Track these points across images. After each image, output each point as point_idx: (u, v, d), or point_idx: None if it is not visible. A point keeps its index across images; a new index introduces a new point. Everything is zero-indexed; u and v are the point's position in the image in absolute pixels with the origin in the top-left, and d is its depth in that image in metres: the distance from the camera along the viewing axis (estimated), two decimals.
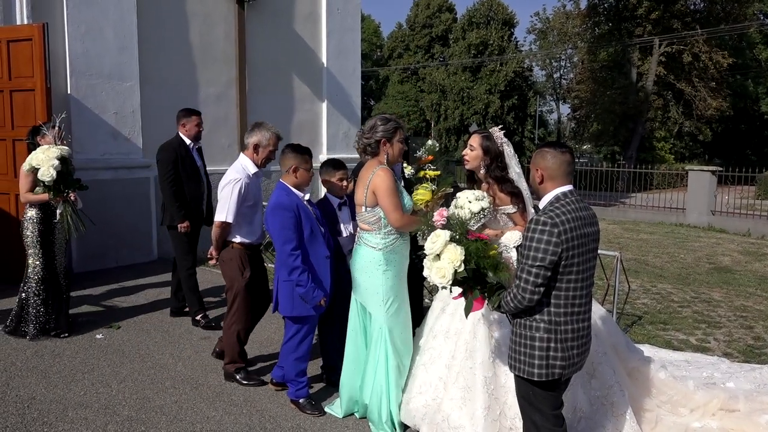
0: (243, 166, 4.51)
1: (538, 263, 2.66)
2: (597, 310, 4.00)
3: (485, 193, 3.77)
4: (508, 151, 3.92)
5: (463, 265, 2.91)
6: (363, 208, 3.77)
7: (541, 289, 2.70)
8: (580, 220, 2.73)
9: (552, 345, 2.76)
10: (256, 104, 9.51)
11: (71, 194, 5.23)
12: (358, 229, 3.92)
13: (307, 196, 4.06)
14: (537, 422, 2.88)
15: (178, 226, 5.63)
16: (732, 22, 30.43)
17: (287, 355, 4.10)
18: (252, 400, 4.22)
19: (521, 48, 45.33)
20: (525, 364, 2.81)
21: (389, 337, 3.80)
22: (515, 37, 43.16)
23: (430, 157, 4.31)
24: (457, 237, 3.01)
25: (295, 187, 4.02)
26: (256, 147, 4.50)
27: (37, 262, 5.27)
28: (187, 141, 5.74)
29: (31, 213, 5.26)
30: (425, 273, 3.05)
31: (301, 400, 4.08)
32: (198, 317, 5.74)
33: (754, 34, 35.20)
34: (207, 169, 6.04)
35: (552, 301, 2.75)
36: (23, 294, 5.30)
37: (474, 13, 41.94)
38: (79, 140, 7.61)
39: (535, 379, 2.80)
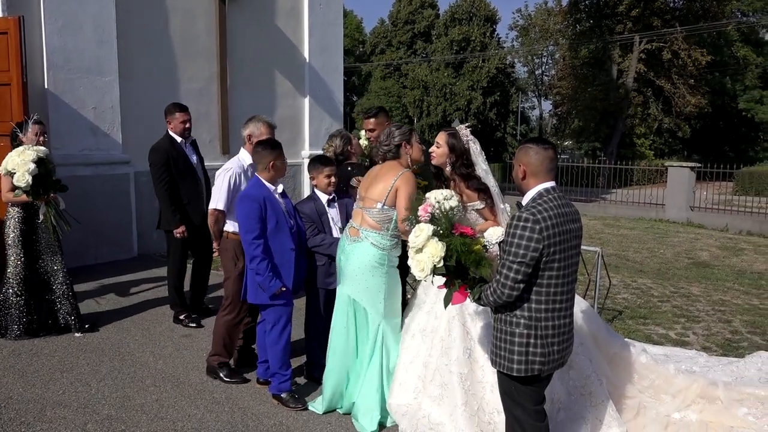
0: (239, 158, 4.66)
1: (519, 259, 2.67)
2: (578, 302, 4.03)
3: (452, 192, 3.76)
4: (475, 148, 3.94)
5: (442, 261, 2.94)
6: (378, 205, 3.77)
7: (521, 285, 2.70)
8: (562, 217, 2.74)
9: (532, 341, 2.77)
10: (237, 100, 9.44)
11: (52, 195, 5.11)
12: (361, 226, 3.86)
13: (280, 188, 4.08)
14: (519, 418, 2.90)
15: (174, 231, 5.51)
16: (710, 19, 30.85)
17: (271, 347, 4.07)
18: (234, 398, 4.19)
19: (503, 44, 45.48)
20: (505, 359, 2.83)
21: (387, 334, 3.86)
22: (497, 34, 43.29)
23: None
24: (441, 232, 3.01)
25: (270, 181, 4.03)
26: (249, 138, 4.60)
27: (18, 262, 5.14)
28: (177, 138, 5.61)
29: (13, 212, 5.14)
30: (408, 263, 3.09)
31: (283, 394, 4.07)
32: (181, 317, 5.67)
33: (732, 31, 35.68)
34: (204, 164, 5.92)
35: (533, 297, 2.76)
36: (1, 295, 5.18)
37: (456, 9, 41.98)
38: (58, 136, 7.49)
39: (514, 374, 2.82)
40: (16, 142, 5.19)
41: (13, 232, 5.13)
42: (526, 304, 2.76)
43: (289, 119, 10.30)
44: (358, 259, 3.82)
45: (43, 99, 7.36)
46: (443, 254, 2.94)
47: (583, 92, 33.11)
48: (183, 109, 5.64)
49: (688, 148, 38.46)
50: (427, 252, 2.96)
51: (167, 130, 5.65)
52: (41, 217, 5.12)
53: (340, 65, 11.14)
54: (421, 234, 2.99)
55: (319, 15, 10.49)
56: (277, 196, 4.03)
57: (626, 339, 4.84)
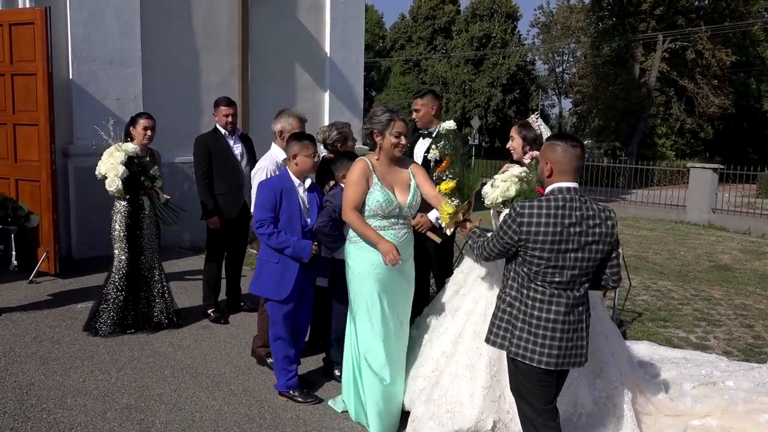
0: (272, 154, 4.68)
1: (497, 239, 2.89)
2: (606, 320, 4.03)
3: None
4: (546, 134, 4.01)
5: (501, 198, 3.51)
6: None
7: (495, 258, 2.98)
8: (563, 218, 2.73)
9: (511, 320, 2.88)
10: (258, 93, 9.47)
11: (152, 190, 5.10)
12: None
13: (307, 183, 4.05)
14: (530, 416, 2.93)
15: (206, 221, 5.56)
16: (736, 19, 30.35)
17: (271, 344, 4.06)
18: (251, 390, 4.21)
19: (524, 41, 45.19)
20: (489, 331, 2.98)
21: (356, 338, 3.77)
22: (518, 31, 43.11)
23: (446, 162, 3.78)
24: (525, 179, 3.47)
25: (296, 174, 4.01)
26: (281, 133, 4.60)
27: (122, 257, 5.12)
28: (222, 130, 5.63)
29: (119, 206, 5.09)
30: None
31: (291, 391, 4.04)
32: (209, 311, 5.67)
33: (758, 31, 35.10)
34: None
35: (519, 280, 2.88)
36: (105, 289, 5.16)
37: (477, 5, 41.80)
38: (80, 126, 7.58)
39: (487, 344, 2.99)
40: (127, 133, 5.16)
41: (119, 225, 5.09)
42: (515, 285, 2.90)
43: (309, 113, 10.14)
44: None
45: (68, 89, 7.44)
46: (510, 196, 3.48)
47: (604, 91, 32.75)
48: (228, 103, 5.62)
49: (710, 150, 37.91)
50: (501, 187, 3.50)
51: (215, 122, 5.71)
52: (147, 210, 5.12)
53: (360, 60, 11.12)
54: (512, 170, 3.54)
55: (340, 9, 10.48)
56: (300, 190, 4.01)
57: (645, 351, 4.83)
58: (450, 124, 4.19)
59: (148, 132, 5.29)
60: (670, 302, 6.97)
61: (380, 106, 3.78)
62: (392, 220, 3.70)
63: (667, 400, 3.95)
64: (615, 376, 3.67)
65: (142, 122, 5.29)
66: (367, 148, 4.71)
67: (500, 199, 3.50)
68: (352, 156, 4.25)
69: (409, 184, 3.78)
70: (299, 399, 4.03)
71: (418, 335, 4.04)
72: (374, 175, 3.67)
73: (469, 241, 3.13)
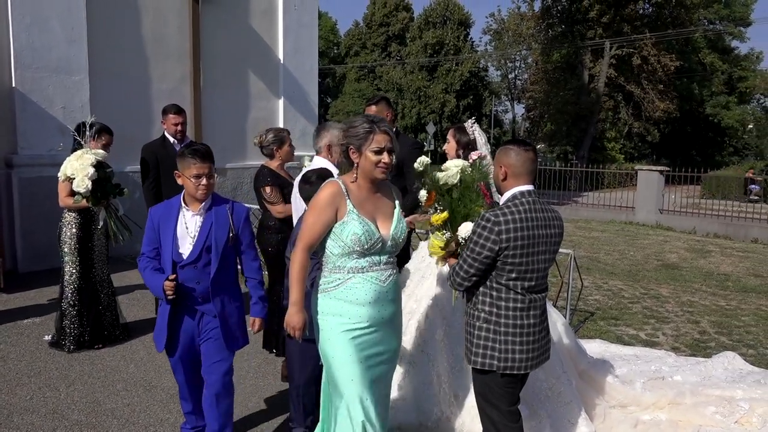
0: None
1: (474, 256, 2.78)
2: (551, 311, 4.12)
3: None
4: (480, 140, 4.12)
5: (444, 180, 3.27)
6: None
7: (473, 279, 2.84)
8: (531, 221, 2.78)
9: (491, 336, 2.85)
10: (210, 100, 9.35)
11: (111, 201, 4.92)
12: None
13: (200, 207, 3.18)
14: (494, 418, 2.93)
15: None
16: (679, 26, 31.57)
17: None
18: None
19: (477, 48, 45.90)
20: (470, 351, 2.93)
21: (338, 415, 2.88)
22: (471, 38, 43.73)
23: (432, 197, 3.35)
24: (467, 173, 3.27)
25: (186, 197, 3.21)
26: (329, 148, 4.23)
27: (73, 270, 4.96)
28: (170, 138, 5.52)
29: (69, 218, 4.94)
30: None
31: None
32: None
33: (699, 39, 36.56)
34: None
35: (494, 293, 2.84)
36: (62, 304, 4.99)
37: (431, 12, 42.27)
38: (24, 135, 7.34)
39: (471, 365, 2.93)
40: (74, 146, 4.97)
41: (70, 239, 4.94)
42: (488, 300, 2.85)
43: (263, 121, 10.22)
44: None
45: (11, 98, 7.21)
46: (453, 183, 3.24)
47: (555, 96, 33.60)
48: (176, 111, 5.53)
49: (657, 152, 39.28)
50: (444, 176, 3.29)
51: (164, 130, 5.60)
52: (101, 223, 4.94)
53: (314, 67, 11.11)
54: (455, 161, 3.40)
55: (293, 16, 10.45)
56: (189, 214, 3.18)
57: (597, 349, 4.94)
58: (425, 160, 3.60)
59: (103, 141, 5.14)
60: (620, 301, 7.16)
61: (359, 116, 2.98)
62: (374, 258, 2.85)
63: (617, 383, 4.07)
64: (556, 365, 3.76)
65: (105, 137, 5.16)
66: (313, 155, 4.52)
67: (443, 181, 3.24)
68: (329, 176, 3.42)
69: (393, 214, 2.96)
70: None
71: None
72: (348, 202, 2.83)
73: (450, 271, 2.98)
